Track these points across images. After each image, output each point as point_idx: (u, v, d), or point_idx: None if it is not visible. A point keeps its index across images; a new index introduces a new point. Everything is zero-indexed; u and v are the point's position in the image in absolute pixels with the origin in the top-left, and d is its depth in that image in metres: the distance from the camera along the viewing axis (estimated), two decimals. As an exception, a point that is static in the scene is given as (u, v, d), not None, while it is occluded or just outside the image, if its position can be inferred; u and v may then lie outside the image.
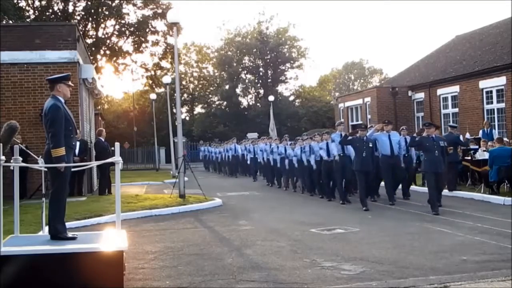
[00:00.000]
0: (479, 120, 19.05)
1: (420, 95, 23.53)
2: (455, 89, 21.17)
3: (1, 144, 5.47)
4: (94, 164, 11.20)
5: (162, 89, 41.01)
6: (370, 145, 11.56)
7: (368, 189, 11.90)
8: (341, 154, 12.28)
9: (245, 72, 50.83)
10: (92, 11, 31.53)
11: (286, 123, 43.93)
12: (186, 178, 14.74)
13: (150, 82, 37.59)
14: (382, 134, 12.44)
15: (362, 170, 11.27)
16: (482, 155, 13.50)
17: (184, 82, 52.19)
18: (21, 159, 6.08)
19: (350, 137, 11.59)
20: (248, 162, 22.34)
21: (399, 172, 12.31)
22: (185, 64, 53.30)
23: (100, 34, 33.37)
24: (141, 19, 33.32)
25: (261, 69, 50.44)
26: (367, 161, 11.29)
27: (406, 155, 12.71)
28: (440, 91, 22.14)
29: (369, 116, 25.02)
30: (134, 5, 33.29)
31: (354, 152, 11.64)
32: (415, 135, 10.78)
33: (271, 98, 37.15)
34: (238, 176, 23.89)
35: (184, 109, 52.13)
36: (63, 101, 6.12)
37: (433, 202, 10.33)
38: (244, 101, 51.51)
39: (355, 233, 8.45)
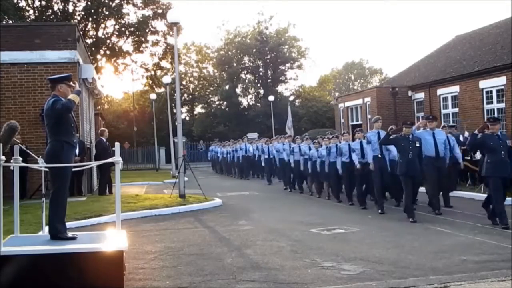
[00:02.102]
0: (479, 120, 18.99)
1: (420, 95, 23.51)
2: (455, 89, 21.15)
3: (1, 144, 5.47)
4: (94, 164, 11.19)
5: (162, 89, 41.04)
6: (417, 145, 9.89)
7: (415, 196, 10.18)
8: (379, 156, 10.87)
9: (245, 72, 50.91)
10: (92, 11, 31.54)
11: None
12: (186, 178, 14.74)
13: (150, 82, 37.65)
14: (426, 132, 10.73)
15: (408, 174, 9.65)
16: (482, 155, 13.47)
17: (184, 82, 52.26)
18: (21, 159, 6.08)
19: (393, 136, 9.95)
20: (263, 163, 20.80)
21: (444, 177, 10.78)
22: (185, 64, 53.37)
23: (100, 34, 33.41)
24: (141, 19, 33.35)
25: (261, 69, 50.51)
26: (413, 164, 9.65)
27: (450, 155, 11.27)
28: (440, 91, 22.12)
29: (369, 116, 24.98)
30: (134, 5, 33.33)
31: (397, 153, 10.09)
32: (476, 132, 9.07)
33: (271, 98, 37.16)
34: (250, 179, 22.43)
35: (184, 109, 52.21)
36: (63, 101, 6.11)
37: (500, 211, 8.71)
38: (244, 101, 51.65)
39: (355, 233, 8.45)
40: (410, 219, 9.43)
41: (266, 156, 20.02)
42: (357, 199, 11.87)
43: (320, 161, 13.47)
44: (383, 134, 10.64)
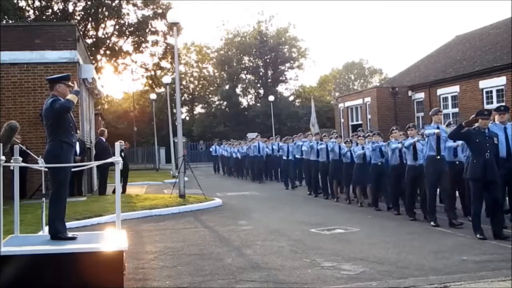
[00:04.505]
0: (479, 120, 19.02)
1: (420, 95, 23.52)
2: (455, 89, 21.16)
3: (1, 144, 5.47)
4: (94, 164, 11.18)
5: (162, 89, 41.05)
6: (495, 142, 8.08)
7: (498, 207, 7.92)
8: (438, 157, 8.99)
9: (245, 72, 50.91)
10: (92, 11, 31.53)
11: (286, 123, 43.97)
12: (186, 178, 14.74)
13: (150, 82, 37.66)
14: (495, 126, 8.73)
15: (485, 179, 7.71)
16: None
17: (184, 82, 52.26)
18: (21, 159, 6.08)
19: (465, 129, 7.93)
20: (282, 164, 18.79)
21: None
22: (185, 64, 53.36)
23: (100, 34, 33.42)
24: (141, 19, 33.35)
25: (261, 69, 50.51)
26: (491, 166, 7.74)
27: None
28: (440, 91, 22.12)
29: (369, 116, 25.01)
30: (134, 5, 33.33)
31: (470, 151, 8.11)
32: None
33: (271, 98, 37.17)
34: (265, 182, 20.56)
35: (184, 109, 52.21)
36: (62, 101, 6.11)
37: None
38: (244, 101, 51.67)
39: (355, 233, 8.45)
40: (479, 236, 7.61)
41: (285, 157, 17.91)
42: (424, 210, 9.77)
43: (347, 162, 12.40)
44: (442, 129, 9.23)
